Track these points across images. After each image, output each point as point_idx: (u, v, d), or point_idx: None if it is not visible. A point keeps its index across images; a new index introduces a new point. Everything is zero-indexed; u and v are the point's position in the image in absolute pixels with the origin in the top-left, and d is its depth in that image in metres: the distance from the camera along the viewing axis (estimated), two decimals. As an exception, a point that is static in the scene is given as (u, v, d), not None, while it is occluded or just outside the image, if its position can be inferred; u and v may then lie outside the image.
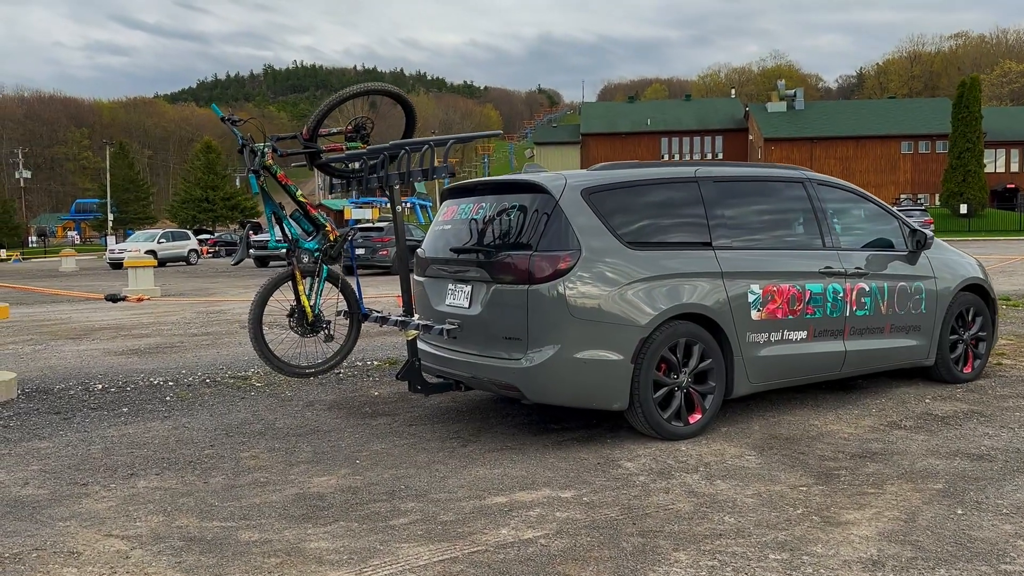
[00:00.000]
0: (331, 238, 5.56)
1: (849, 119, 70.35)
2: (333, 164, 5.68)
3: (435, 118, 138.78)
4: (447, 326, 5.10)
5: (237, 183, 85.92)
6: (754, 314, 5.65)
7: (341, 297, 5.74)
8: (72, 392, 7.22)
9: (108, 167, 76.59)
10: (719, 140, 74.47)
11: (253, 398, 6.97)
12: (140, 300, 7.99)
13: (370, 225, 27.03)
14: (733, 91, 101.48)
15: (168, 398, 7.02)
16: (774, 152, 66.16)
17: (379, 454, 5.19)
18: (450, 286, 5.73)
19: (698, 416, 5.44)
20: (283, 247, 5.41)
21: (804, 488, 4.39)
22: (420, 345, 5.76)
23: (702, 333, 5.44)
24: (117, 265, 32.82)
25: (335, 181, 5.99)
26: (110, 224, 70.41)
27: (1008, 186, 67.88)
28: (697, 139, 73.83)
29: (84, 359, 9.11)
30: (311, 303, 5.48)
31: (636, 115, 79.40)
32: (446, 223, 5.98)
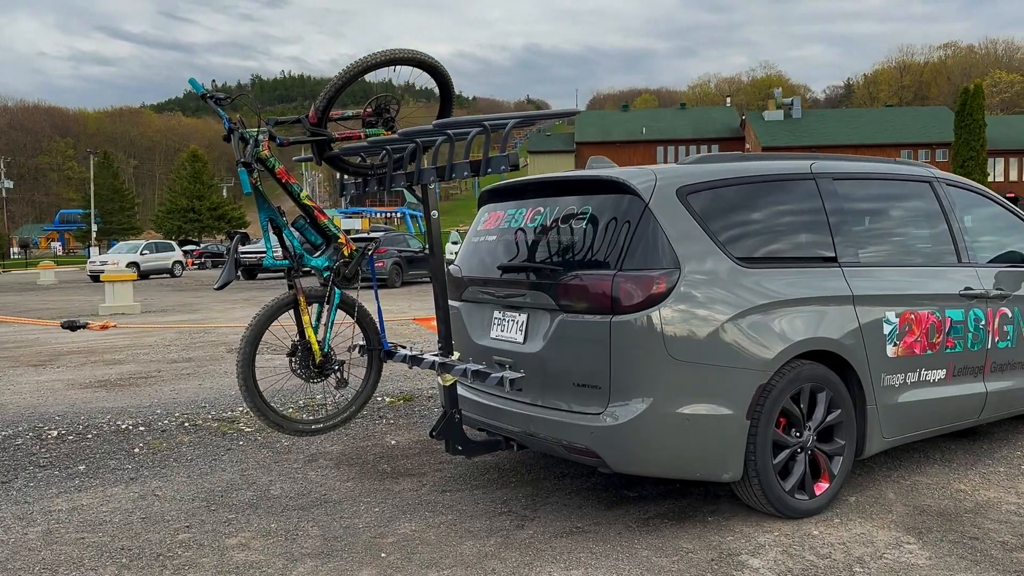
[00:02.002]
0: (345, 253, 4.28)
1: (847, 128, 69.50)
2: (347, 157, 4.40)
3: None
4: (511, 374, 3.79)
5: (224, 193, 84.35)
6: (890, 349, 4.40)
7: (356, 328, 4.45)
8: (20, 442, 5.87)
9: (92, 177, 74.93)
10: (715, 149, 73.41)
11: (242, 449, 5.65)
12: (105, 327, 6.67)
13: (364, 236, 25.67)
14: (728, 100, 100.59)
15: (137, 449, 5.69)
16: (771, 161, 64.81)
17: (410, 541, 3.89)
18: (496, 314, 4.46)
19: (825, 485, 4.18)
20: (283, 265, 4.13)
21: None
22: (462, 392, 4.46)
23: (830, 376, 4.18)
24: (98, 278, 31.32)
25: (347, 180, 4.71)
26: (93, 235, 68.69)
27: (1009, 195, 67.07)
28: (693, 148, 72.78)
29: (43, 394, 7.75)
30: (319, 338, 4.19)
31: (631, 124, 78.37)
32: (488, 233, 4.70)
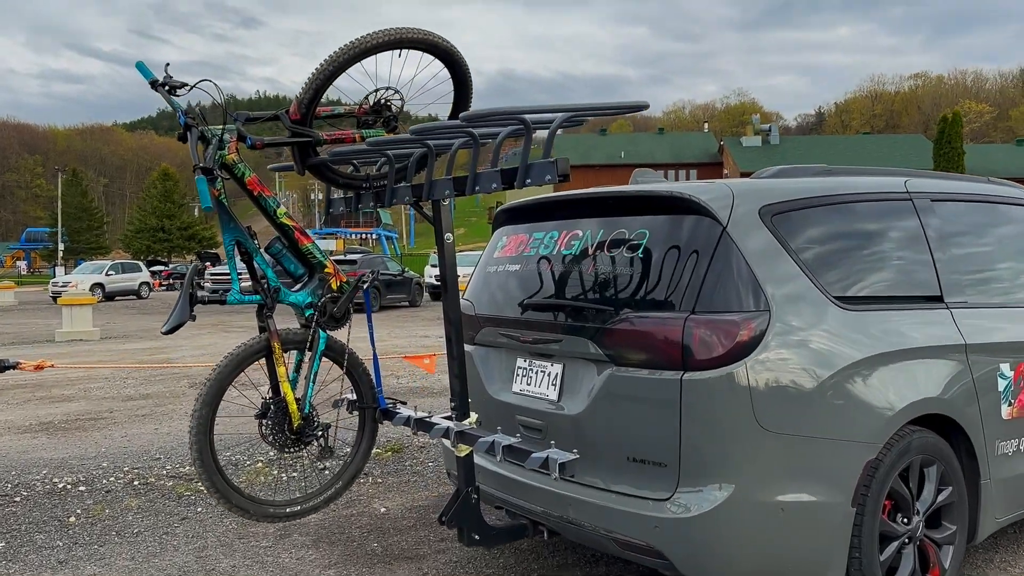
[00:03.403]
0: (333, 286, 3.38)
1: (825, 154, 69.46)
2: (336, 165, 3.51)
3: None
4: (560, 454, 2.87)
5: (196, 212, 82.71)
6: (1004, 410, 3.58)
7: (346, 380, 3.55)
8: (-70, 506, 4.87)
9: (60, 195, 73.19)
10: (693, 174, 73.14)
11: (200, 519, 4.69)
12: (39, 368, 5.67)
13: (339, 258, 24.71)
14: (706, 125, 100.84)
15: (73, 518, 4.72)
16: (749, 187, 64.61)
17: (416, 665, 2.97)
18: (520, 362, 3.58)
19: (937, 583, 3.32)
20: (253, 302, 3.22)
21: None
22: (476, 460, 3.55)
23: (941, 446, 3.33)
24: (60, 299, 29.98)
25: (335, 194, 3.82)
26: (60, 254, 66.91)
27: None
28: (672, 172, 72.44)
29: (-28, 439, 6.73)
30: (298, 395, 3.28)
31: (609, 148, 77.95)
32: (508, 262, 3.82)
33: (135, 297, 35.08)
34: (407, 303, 25.06)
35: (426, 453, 5.99)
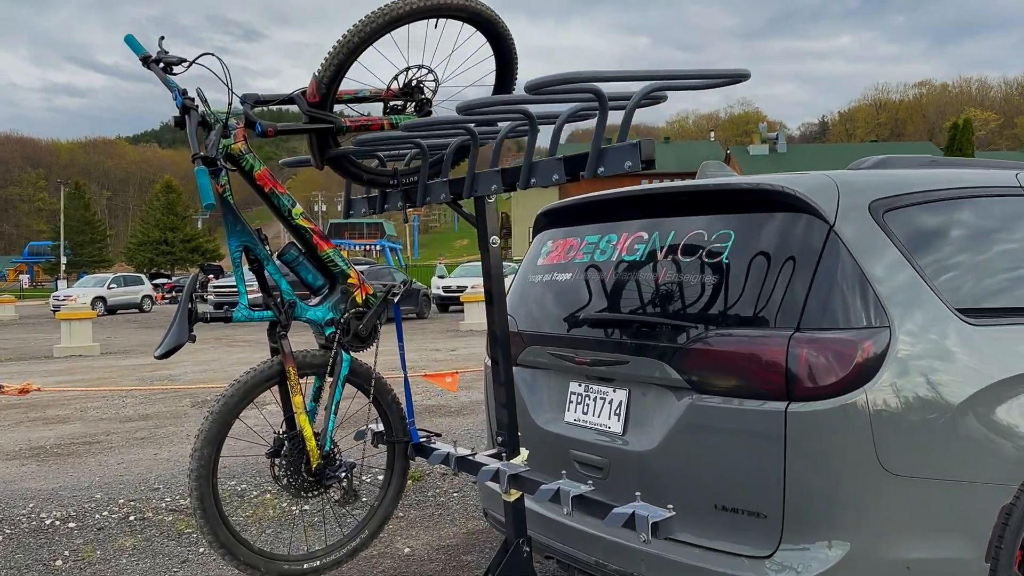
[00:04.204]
0: (358, 300, 2.87)
1: (834, 162, 68.39)
2: (356, 157, 3.00)
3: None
4: (655, 511, 2.33)
5: (199, 225, 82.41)
6: None
7: (372, 409, 3.04)
8: (-100, 547, 4.35)
9: (62, 208, 72.93)
10: (699, 183, 72.82)
11: (202, 563, 4.17)
12: (24, 392, 5.16)
13: (365, 266, 24.28)
14: (712, 134, 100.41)
15: (60, 562, 4.20)
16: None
17: None
18: (575, 387, 3.07)
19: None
20: (264, 319, 2.71)
21: None
22: (527, 504, 3.02)
23: (1077, 486, 2.80)
24: (61, 313, 29.53)
25: (356, 194, 3.31)
26: (62, 267, 66.55)
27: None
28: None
29: (-44, 466, 6.21)
30: (317, 429, 2.76)
31: (613, 157, 77.76)
32: (555, 270, 3.31)
33: (137, 311, 34.62)
34: (414, 315, 24.57)
35: (449, 482, 5.46)
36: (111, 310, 32.65)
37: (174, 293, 46.47)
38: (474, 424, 7.01)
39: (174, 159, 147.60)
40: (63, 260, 67.88)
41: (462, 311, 21.01)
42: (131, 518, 4.83)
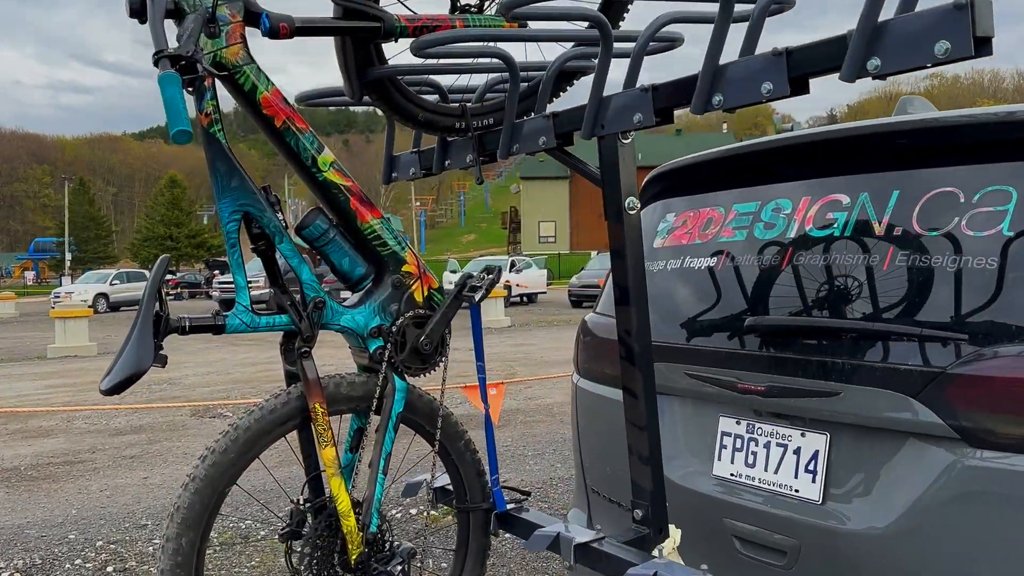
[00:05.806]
0: (418, 298, 1.89)
1: (845, 154, 68.21)
2: (411, 88, 2.02)
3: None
4: None
5: (204, 220, 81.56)
6: None
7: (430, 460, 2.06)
8: None
9: (67, 204, 72.14)
10: (712, 176, 71.89)
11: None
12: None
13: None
14: (724, 125, 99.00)
15: (9, 636, 3.25)
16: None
17: None
18: (728, 424, 2.10)
19: None
20: (275, 326, 1.73)
21: None
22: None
23: None
24: (62, 310, 28.62)
25: (412, 150, 2.33)
26: (67, 264, 65.74)
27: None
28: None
29: (-89, 494, 5.26)
30: (359, 497, 1.79)
31: (623, 150, 76.88)
32: (689, 254, 2.33)
33: (141, 307, 33.71)
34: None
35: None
36: (114, 307, 31.77)
37: (179, 289, 45.61)
38: (510, 439, 6.04)
39: (180, 155, 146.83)
40: (68, 256, 67.10)
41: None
42: (109, 568, 3.87)
